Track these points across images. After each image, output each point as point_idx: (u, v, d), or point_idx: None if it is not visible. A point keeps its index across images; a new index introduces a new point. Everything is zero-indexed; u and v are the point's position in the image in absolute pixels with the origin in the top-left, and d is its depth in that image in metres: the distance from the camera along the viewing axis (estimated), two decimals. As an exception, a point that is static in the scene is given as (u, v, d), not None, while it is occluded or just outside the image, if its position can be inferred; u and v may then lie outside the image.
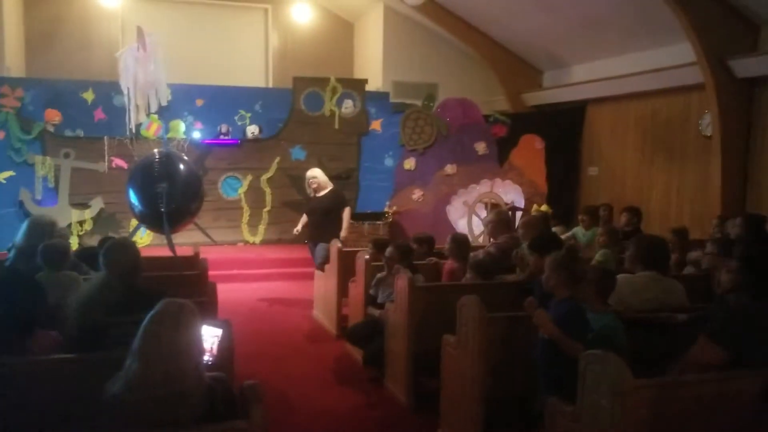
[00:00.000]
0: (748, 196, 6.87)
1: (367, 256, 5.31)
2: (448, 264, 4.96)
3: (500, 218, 5.33)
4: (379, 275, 5.01)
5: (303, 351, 5.42)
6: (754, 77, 6.68)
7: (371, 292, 5.05)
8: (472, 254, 4.60)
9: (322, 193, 6.76)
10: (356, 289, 5.38)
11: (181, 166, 6.45)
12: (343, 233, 6.55)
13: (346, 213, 6.70)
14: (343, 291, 5.76)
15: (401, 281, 4.34)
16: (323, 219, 6.57)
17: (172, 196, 6.05)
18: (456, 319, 3.58)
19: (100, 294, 2.82)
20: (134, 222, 8.09)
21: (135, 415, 1.87)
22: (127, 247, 3.06)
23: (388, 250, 4.89)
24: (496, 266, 4.40)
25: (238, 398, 2.02)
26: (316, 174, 6.87)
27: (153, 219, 6.14)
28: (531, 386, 3.16)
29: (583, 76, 9.69)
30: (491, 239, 5.42)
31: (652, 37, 7.82)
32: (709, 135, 7.20)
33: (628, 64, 8.50)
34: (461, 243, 5.00)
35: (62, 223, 7.47)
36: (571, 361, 2.64)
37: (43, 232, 4.04)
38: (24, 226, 4.15)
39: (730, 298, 2.86)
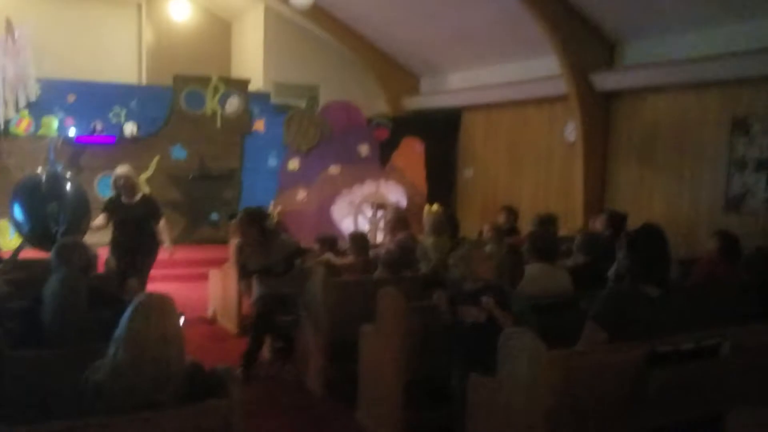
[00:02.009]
0: (607, 195, 7.71)
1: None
2: (349, 260, 5.23)
3: (398, 216, 5.67)
4: (238, 243, 4.95)
5: (207, 350, 5.43)
6: (611, 90, 7.52)
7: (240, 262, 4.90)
8: (373, 251, 4.90)
9: (133, 199, 5.69)
10: (260, 287, 5.49)
11: (69, 185, 6.21)
12: (167, 244, 5.87)
13: (163, 223, 5.85)
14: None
15: (317, 276, 4.53)
16: (137, 231, 5.62)
17: (64, 215, 5.85)
18: (374, 310, 3.86)
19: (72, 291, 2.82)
20: (3, 224, 7.61)
21: (121, 399, 1.96)
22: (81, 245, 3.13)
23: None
24: (404, 261, 4.72)
25: (215, 380, 2.16)
26: (127, 173, 5.75)
27: (43, 239, 5.87)
28: (443, 367, 3.50)
29: (458, 84, 10.30)
30: (390, 237, 5.75)
31: (522, 51, 8.52)
32: (572, 141, 7.99)
33: (501, 74, 9.19)
34: (359, 239, 5.30)
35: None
36: (490, 341, 2.98)
37: None
38: None
39: (620, 284, 3.28)
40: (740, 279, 4.32)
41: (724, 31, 6.30)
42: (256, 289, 4.78)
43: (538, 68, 8.25)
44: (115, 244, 5.66)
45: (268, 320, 4.77)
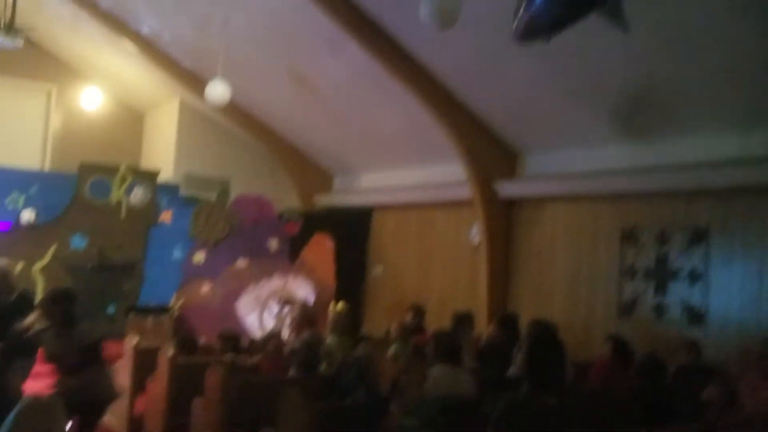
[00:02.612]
0: (509, 297, 7.96)
1: (171, 354, 5.23)
2: (255, 359, 5.11)
3: (304, 313, 5.64)
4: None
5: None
6: (513, 198, 7.94)
7: None
8: (286, 349, 4.82)
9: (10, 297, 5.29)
10: (157, 387, 5.23)
11: None
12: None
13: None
14: (138, 389, 5.54)
15: (213, 377, 4.39)
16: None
17: None
18: (277, 409, 3.75)
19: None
20: None
21: None
22: None
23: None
24: (312, 360, 4.66)
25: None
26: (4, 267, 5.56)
27: None
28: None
29: (370, 184, 10.57)
30: (295, 334, 5.69)
31: (431, 156, 8.92)
32: (477, 244, 8.29)
33: (410, 176, 9.53)
34: (229, 339, 5.22)
35: None
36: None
37: None
38: None
39: (517, 392, 3.34)
40: (632, 383, 4.52)
41: (613, 150, 6.86)
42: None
43: (445, 173, 8.62)
44: None
45: None
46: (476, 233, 8.30)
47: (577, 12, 4.05)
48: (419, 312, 7.05)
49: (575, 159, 7.26)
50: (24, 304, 5.33)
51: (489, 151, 7.82)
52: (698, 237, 6.21)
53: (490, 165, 7.82)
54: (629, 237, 6.81)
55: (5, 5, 7.94)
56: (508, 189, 7.86)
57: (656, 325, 6.47)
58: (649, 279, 6.60)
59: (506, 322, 6.13)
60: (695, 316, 6.14)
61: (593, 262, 7.15)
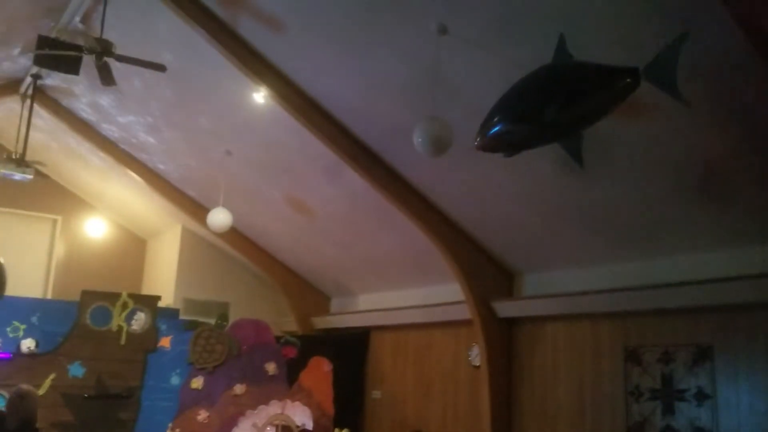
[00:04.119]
0: (513, 420, 7.78)
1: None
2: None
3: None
4: None
5: None
6: (512, 317, 7.94)
7: None
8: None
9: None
10: None
11: None
12: None
13: None
14: None
15: None
16: None
17: None
18: None
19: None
20: None
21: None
22: None
23: None
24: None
25: None
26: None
27: None
28: None
29: (367, 305, 10.60)
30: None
31: (428, 277, 9.02)
32: (477, 365, 8.21)
33: (407, 297, 9.58)
34: None
35: None
36: None
37: None
38: None
39: None
40: None
41: (611, 268, 6.91)
42: None
43: (443, 294, 8.67)
44: None
45: None
46: (476, 354, 8.24)
47: (537, 140, 4.38)
48: (421, 438, 6.88)
49: (573, 277, 7.30)
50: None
51: (486, 272, 7.91)
52: (703, 355, 6.16)
53: (487, 285, 7.89)
54: (632, 356, 6.73)
55: (18, 140, 8.34)
56: (506, 309, 7.89)
57: (667, 449, 6.30)
58: (655, 399, 6.48)
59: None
60: (706, 438, 6.00)
61: (597, 382, 7.04)
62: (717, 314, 6.09)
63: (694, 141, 5.15)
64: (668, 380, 6.41)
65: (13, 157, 7.92)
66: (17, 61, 8.46)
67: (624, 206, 6.20)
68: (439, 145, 5.40)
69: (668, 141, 5.23)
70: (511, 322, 8.02)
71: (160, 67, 6.36)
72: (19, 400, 5.38)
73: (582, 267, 7.24)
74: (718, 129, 4.93)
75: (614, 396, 6.83)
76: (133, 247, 12.77)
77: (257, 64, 6.73)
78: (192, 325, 9.90)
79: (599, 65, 4.01)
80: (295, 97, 6.94)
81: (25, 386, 5.28)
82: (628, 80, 3.91)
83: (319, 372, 9.99)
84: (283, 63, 6.74)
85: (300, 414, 9.42)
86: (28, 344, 8.83)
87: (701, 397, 6.11)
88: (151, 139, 9.43)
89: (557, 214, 6.77)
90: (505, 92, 4.27)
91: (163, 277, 11.95)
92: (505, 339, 7.97)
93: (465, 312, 8.08)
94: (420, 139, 5.39)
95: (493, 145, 4.38)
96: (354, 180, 7.65)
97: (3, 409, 5.41)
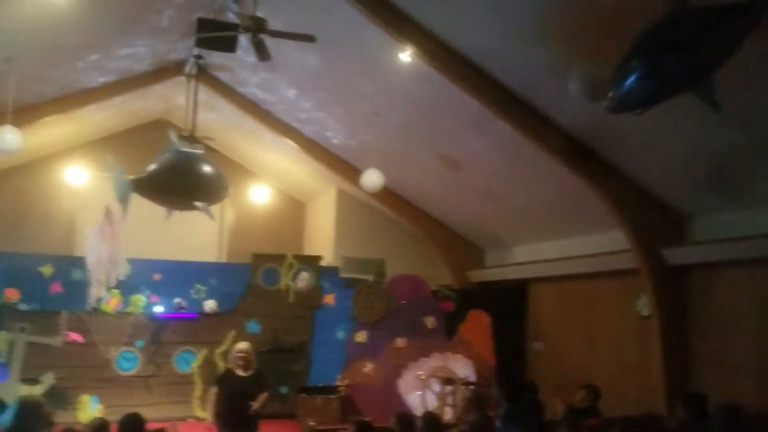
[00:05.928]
0: (688, 368, 7.34)
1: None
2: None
3: (475, 397, 5.57)
4: None
5: None
6: (683, 265, 7.41)
7: None
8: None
9: (246, 373, 6.42)
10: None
11: None
12: (256, 405, 6.30)
13: (264, 397, 6.41)
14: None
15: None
16: (242, 405, 6.11)
17: None
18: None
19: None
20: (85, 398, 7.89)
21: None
22: None
23: None
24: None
25: None
26: (248, 349, 6.55)
27: None
28: None
29: (524, 257, 10.42)
30: (464, 416, 5.62)
31: (587, 226, 8.66)
32: (646, 315, 7.81)
33: (567, 247, 9.27)
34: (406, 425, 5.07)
35: (9, 400, 7.18)
36: None
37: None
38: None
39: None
40: None
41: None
42: None
43: (605, 242, 8.28)
44: (221, 417, 5.71)
45: None
46: (644, 304, 7.86)
47: (667, 93, 4.19)
48: (593, 391, 6.66)
49: (753, 218, 6.63)
50: (261, 381, 6.29)
51: (652, 216, 7.40)
52: None
53: (654, 231, 7.38)
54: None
55: (187, 120, 8.99)
56: (677, 255, 7.35)
57: None
58: None
59: (694, 404, 5.55)
60: None
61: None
62: None
63: None
64: None
65: (184, 134, 8.57)
66: (176, 47, 9.04)
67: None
68: (597, 89, 5.13)
69: None
70: (684, 269, 7.47)
71: (310, 38, 6.50)
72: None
73: (763, 206, 6.58)
74: None
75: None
76: (294, 210, 13.48)
77: (401, 23, 6.71)
78: (352, 282, 10.35)
79: (711, 7, 3.83)
80: (440, 52, 6.84)
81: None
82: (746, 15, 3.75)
83: (478, 325, 10.06)
84: (424, 19, 6.66)
85: (462, 366, 9.57)
86: (210, 305, 9.71)
87: None
88: (304, 106, 9.78)
89: (730, 153, 6.17)
90: (626, 52, 4.16)
91: (322, 237, 12.52)
92: (676, 288, 7.48)
93: (630, 261, 7.67)
94: (576, 85, 5.15)
95: (623, 105, 4.34)
96: (504, 131, 7.46)
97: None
